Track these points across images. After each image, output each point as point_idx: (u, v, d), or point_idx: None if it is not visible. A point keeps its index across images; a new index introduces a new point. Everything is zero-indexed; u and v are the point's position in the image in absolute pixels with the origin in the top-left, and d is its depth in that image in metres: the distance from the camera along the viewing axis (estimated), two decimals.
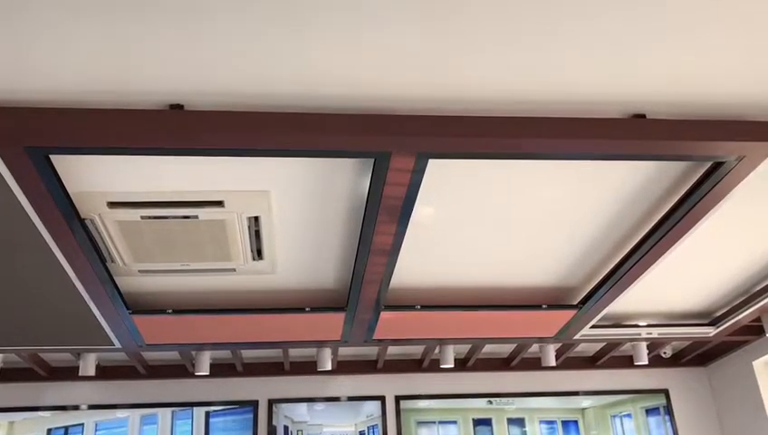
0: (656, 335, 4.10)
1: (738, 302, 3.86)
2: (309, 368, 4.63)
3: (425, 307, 3.38)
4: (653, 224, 2.81)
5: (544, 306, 3.46)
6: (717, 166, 2.37)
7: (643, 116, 2.20)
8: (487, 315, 3.52)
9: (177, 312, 3.24)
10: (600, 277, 3.30)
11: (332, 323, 3.50)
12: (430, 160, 2.24)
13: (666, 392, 4.95)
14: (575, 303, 3.54)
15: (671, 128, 2.18)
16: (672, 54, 1.94)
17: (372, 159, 2.22)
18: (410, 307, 3.35)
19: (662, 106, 2.17)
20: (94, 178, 2.31)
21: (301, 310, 3.31)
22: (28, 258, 2.70)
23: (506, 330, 3.80)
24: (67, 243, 2.56)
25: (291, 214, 2.62)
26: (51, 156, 2.11)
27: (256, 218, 2.61)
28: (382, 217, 2.51)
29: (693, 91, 2.11)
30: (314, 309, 3.32)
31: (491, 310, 3.45)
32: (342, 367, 4.67)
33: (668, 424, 4.87)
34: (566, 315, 3.57)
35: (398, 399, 4.71)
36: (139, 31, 1.74)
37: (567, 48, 1.89)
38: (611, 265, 3.19)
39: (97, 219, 2.52)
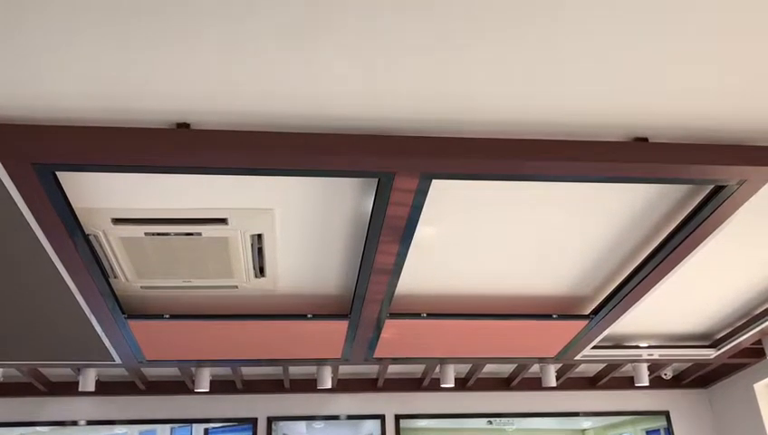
0: (657, 357, 4.09)
1: (739, 324, 3.86)
2: (309, 386, 4.62)
3: (431, 315, 3.35)
4: (654, 246, 2.82)
5: (555, 316, 3.43)
6: (719, 189, 2.38)
7: (645, 140, 2.22)
8: (494, 326, 3.48)
9: (174, 317, 3.22)
10: (603, 298, 3.31)
11: (334, 334, 3.47)
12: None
13: (666, 414, 4.93)
14: (587, 313, 3.51)
15: (673, 151, 2.20)
16: (675, 79, 1.96)
17: (376, 179, 2.24)
18: (416, 315, 3.33)
19: (664, 130, 2.19)
20: (99, 194, 2.32)
21: (303, 316, 3.28)
22: (31, 273, 2.70)
23: (511, 345, 3.77)
24: (70, 258, 2.57)
25: (294, 232, 2.63)
26: (57, 172, 2.13)
27: (259, 236, 2.62)
28: (385, 237, 2.51)
29: (695, 116, 2.13)
30: (316, 316, 3.29)
31: (499, 319, 3.41)
32: (342, 385, 4.66)
33: None
34: (575, 327, 3.52)
35: (397, 418, 4.69)
36: (148, 50, 1.76)
37: (571, 72, 1.91)
38: (614, 286, 3.19)
39: (101, 235, 2.53)
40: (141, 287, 2.98)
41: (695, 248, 2.72)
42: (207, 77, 1.86)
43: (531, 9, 1.68)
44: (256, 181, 2.30)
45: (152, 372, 4.43)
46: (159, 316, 3.20)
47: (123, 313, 3.14)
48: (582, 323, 3.48)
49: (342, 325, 3.36)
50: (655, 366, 4.56)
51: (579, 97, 2.01)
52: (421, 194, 2.27)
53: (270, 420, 4.59)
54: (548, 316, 3.41)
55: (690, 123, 2.16)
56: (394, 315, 3.31)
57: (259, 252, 2.72)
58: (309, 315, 3.28)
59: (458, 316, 3.36)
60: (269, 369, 4.50)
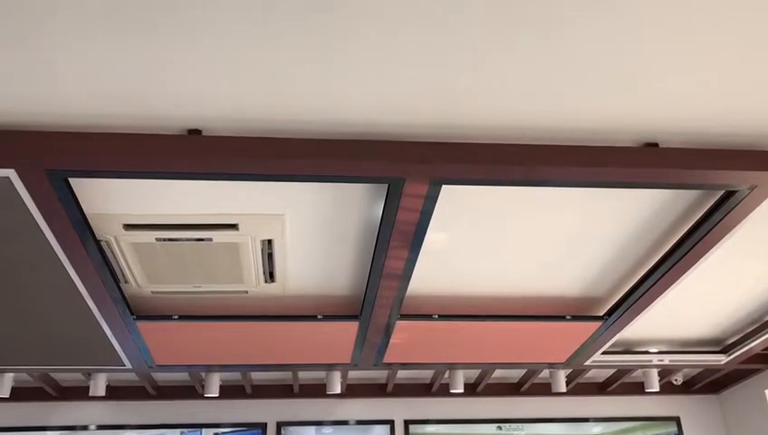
0: (667, 362, 4.07)
1: (750, 330, 3.83)
2: (318, 391, 4.62)
3: (442, 317, 3.32)
4: (665, 251, 2.81)
5: (568, 317, 3.39)
6: (729, 194, 2.38)
7: (656, 145, 2.22)
8: (505, 329, 3.45)
9: (183, 318, 3.20)
10: (614, 301, 3.30)
11: (344, 337, 3.46)
12: None
13: (677, 420, 4.90)
14: (601, 314, 3.46)
15: (683, 156, 2.19)
16: (685, 84, 1.96)
17: (386, 185, 2.24)
18: (427, 316, 3.33)
19: (675, 135, 2.19)
20: (111, 200, 2.34)
21: (312, 317, 3.25)
22: (42, 278, 2.72)
23: (521, 349, 3.75)
24: (82, 264, 2.58)
25: (304, 238, 2.64)
26: (70, 178, 2.15)
27: (270, 242, 2.63)
28: (395, 242, 2.52)
29: (705, 121, 2.12)
30: (326, 317, 3.26)
31: (512, 320, 3.38)
32: (351, 390, 4.65)
33: None
34: (588, 329, 3.49)
35: (407, 423, 4.68)
36: (159, 57, 1.77)
37: (580, 78, 1.91)
38: (625, 290, 3.18)
39: (112, 241, 2.55)
40: (152, 292, 2.99)
41: (705, 253, 2.71)
42: (219, 83, 1.87)
43: (539, 17, 1.68)
44: (267, 187, 2.31)
45: (162, 377, 4.45)
46: (168, 317, 3.21)
47: (132, 314, 3.15)
48: (596, 325, 3.45)
49: (352, 327, 3.35)
50: (665, 372, 4.54)
51: (589, 102, 2.01)
52: (431, 199, 2.27)
53: (279, 425, 4.59)
54: (561, 317, 3.40)
55: (701, 128, 2.16)
56: (405, 317, 3.29)
57: (269, 257, 2.73)
58: (319, 316, 3.27)
59: (470, 317, 3.33)
60: (278, 374, 4.51)
